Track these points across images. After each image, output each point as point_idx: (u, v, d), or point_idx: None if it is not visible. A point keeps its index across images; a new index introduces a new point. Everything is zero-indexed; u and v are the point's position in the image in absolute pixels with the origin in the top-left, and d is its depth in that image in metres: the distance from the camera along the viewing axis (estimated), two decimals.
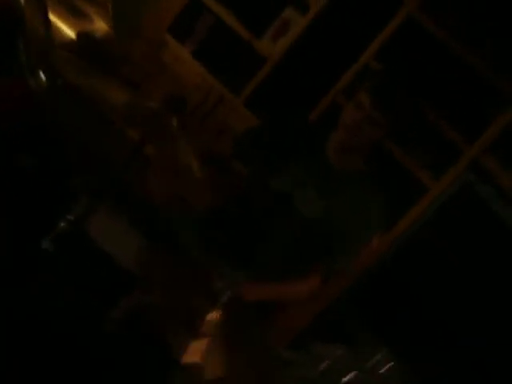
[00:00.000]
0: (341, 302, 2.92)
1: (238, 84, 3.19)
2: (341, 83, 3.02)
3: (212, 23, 3.27)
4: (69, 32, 2.43)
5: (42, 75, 1.60)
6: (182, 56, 3.30)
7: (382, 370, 1.84)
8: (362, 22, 3.04)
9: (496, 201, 2.78)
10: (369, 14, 3.03)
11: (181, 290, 1.59)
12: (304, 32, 3.10)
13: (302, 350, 1.92)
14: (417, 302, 2.95)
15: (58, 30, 2.28)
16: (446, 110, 2.86)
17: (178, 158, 1.68)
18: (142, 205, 1.83)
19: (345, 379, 1.77)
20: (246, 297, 1.84)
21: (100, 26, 2.71)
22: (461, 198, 2.84)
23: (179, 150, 1.68)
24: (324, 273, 2.08)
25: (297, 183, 2.06)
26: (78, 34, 2.44)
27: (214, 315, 1.50)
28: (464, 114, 2.87)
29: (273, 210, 2.10)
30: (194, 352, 1.35)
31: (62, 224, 1.46)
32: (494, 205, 2.78)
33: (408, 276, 2.98)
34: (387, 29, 2.95)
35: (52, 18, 1.94)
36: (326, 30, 3.10)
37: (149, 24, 3.26)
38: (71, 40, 2.39)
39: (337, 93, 3.02)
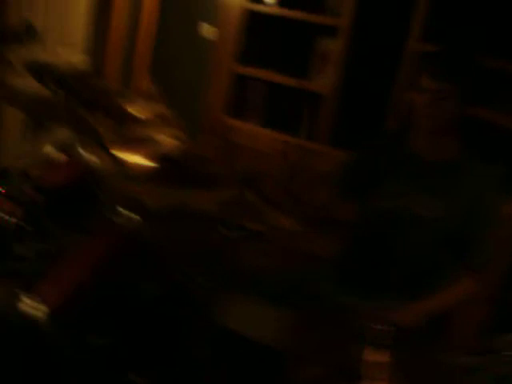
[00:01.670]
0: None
1: (309, 130, 3.24)
2: (401, 77, 2.98)
3: (260, 88, 3.37)
4: (142, 160, 2.52)
5: (125, 211, 1.72)
6: (246, 129, 3.41)
7: None
8: (395, 16, 3.02)
9: None
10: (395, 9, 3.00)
11: (331, 346, 1.58)
12: (345, 52, 3.11)
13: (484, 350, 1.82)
14: None
15: (132, 164, 2.40)
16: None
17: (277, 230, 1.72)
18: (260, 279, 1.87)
19: None
20: (407, 322, 1.81)
21: (168, 141, 2.81)
22: None
23: (274, 221, 1.72)
24: (473, 270, 2.01)
25: (408, 194, 2.04)
26: (158, 159, 2.56)
27: (371, 355, 1.48)
28: None
29: (396, 231, 2.08)
30: None
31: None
32: None
33: None
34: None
35: (123, 155, 2.07)
36: (365, 40, 3.10)
37: (208, 114, 3.43)
38: (147, 167, 2.50)
39: (401, 90, 2.98)
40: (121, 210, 1.70)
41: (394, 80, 2.97)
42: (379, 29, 3.06)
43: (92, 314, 1.55)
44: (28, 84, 2.04)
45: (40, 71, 2.09)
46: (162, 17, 4.26)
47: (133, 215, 1.70)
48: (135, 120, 2.27)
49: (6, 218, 1.88)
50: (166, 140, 2.54)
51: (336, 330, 1.66)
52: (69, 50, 4.02)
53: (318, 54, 3.18)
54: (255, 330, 1.58)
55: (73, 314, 1.52)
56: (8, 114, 3.69)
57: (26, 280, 1.74)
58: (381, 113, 3.00)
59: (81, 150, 1.90)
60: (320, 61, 3.18)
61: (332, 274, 2.14)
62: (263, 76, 3.35)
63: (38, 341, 1.54)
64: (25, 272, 1.82)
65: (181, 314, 1.61)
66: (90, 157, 1.88)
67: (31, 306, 1.50)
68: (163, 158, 2.36)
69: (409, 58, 2.93)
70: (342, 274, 2.14)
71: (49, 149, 2.01)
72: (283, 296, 1.84)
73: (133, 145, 2.24)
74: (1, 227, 1.92)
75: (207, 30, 4.32)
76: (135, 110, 2.28)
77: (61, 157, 2.01)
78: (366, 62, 3.11)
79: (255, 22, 3.36)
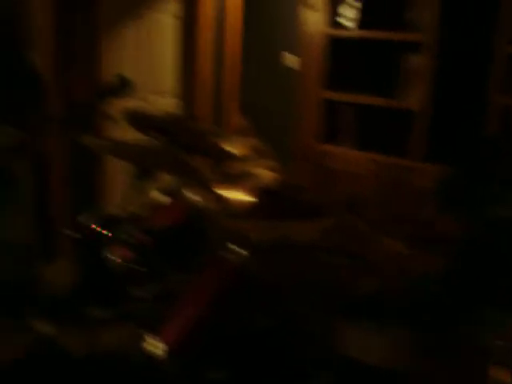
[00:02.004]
0: None
1: (403, 148, 3.20)
2: (494, 83, 2.90)
3: (349, 111, 3.38)
4: (243, 196, 2.57)
5: (233, 246, 1.77)
6: (339, 153, 3.41)
7: None
8: (478, 24, 2.96)
9: None
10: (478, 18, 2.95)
11: (454, 366, 1.55)
12: (432, 66, 3.06)
13: None
14: None
15: (234, 200, 2.46)
16: None
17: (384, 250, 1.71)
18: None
19: None
20: None
21: (265, 174, 2.85)
22: None
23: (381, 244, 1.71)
24: None
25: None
26: (257, 193, 2.61)
27: (495, 373, 1.43)
28: None
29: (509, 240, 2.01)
30: None
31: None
32: None
33: None
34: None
35: (224, 193, 2.13)
36: (451, 51, 3.04)
37: (300, 142, 3.47)
38: (248, 203, 2.54)
39: (495, 96, 2.89)
40: (229, 245, 1.75)
41: (487, 87, 2.90)
42: (464, 38, 3.00)
43: (209, 349, 1.59)
44: (129, 134, 2.16)
45: (139, 121, 2.20)
46: (245, 51, 4.38)
47: (241, 250, 1.74)
48: (231, 157, 2.34)
49: (120, 261, 1.99)
50: (263, 173, 2.59)
51: (457, 349, 1.62)
52: (160, 97, 4.21)
53: (404, 72, 3.15)
54: (373, 355, 1.57)
55: (192, 351, 1.57)
56: (112, 163, 3.90)
57: (145, 321, 1.82)
58: (476, 122, 2.93)
59: (185, 192, 1.98)
60: (407, 78, 3.15)
61: (441, 292, 2.09)
62: (351, 99, 3.36)
63: (159, 379, 1.61)
64: (142, 313, 1.91)
65: (296, 344, 1.63)
66: (194, 198, 1.96)
67: (153, 345, 1.57)
68: (262, 192, 2.42)
69: (500, 63, 2.85)
70: (451, 290, 2.08)
71: (155, 193, 2.11)
72: (397, 318, 1.82)
73: (232, 181, 2.31)
74: (115, 271, 2.02)
75: (289, 59, 4.40)
76: (230, 146, 2.34)
77: (166, 200, 2.10)
78: (454, 74, 3.05)
79: (338, 46, 3.38)
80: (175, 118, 2.26)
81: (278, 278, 1.84)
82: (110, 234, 2.05)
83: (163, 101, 4.19)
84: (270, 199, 2.48)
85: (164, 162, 1.94)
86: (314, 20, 3.40)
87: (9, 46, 2.72)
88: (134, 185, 2.00)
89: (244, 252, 1.75)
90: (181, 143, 2.08)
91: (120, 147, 1.99)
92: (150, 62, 4.16)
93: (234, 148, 2.35)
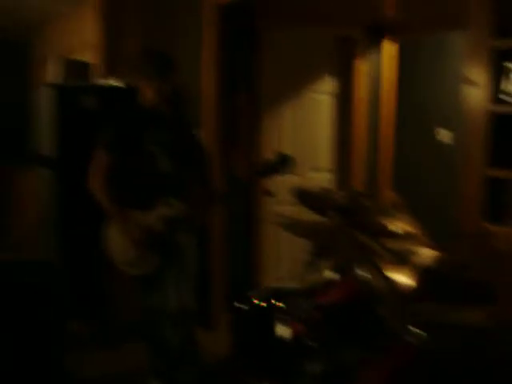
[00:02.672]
0: None
1: None
2: None
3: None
4: (408, 277, 2.51)
5: (412, 328, 1.74)
6: (507, 233, 3.27)
7: None
8: None
9: None
10: None
11: None
12: None
13: None
14: None
15: (401, 281, 2.42)
16: None
17: None
18: None
19: None
20: None
21: (427, 253, 2.78)
22: None
23: None
24: None
25: None
26: (424, 274, 2.55)
27: None
28: None
29: None
30: None
31: None
32: None
33: None
34: None
35: (391, 273, 2.11)
36: None
37: (464, 221, 3.37)
38: (415, 284, 2.49)
39: None
40: (406, 327, 1.73)
41: None
42: None
43: None
44: (302, 212, 2.22)
45: (307, 198, 2.27)
46: (399, 126, 4.37)
47: (418, 332, 1.72)
48: (396, 235, 2.33)
49: (290, 335, 2.02)
50: (426, 252, 2.55)
51: None
52: (317, 172, 4.32)
53: None
54: None
55: None
56: (271, 236, 4.02)
57: None
58: None
59: (356, 270, 1.99)
60: None
61: None
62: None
63: None
64: None
65: None
66: (365, 276, 1.96)
67: None
68: (428, 272, 2.37)
69: None
70: None
71: (326, 269, 2.14)
72: None
73: (398, 260, 2.31)
74: (282, 344, 2.05)
75: (444, 135, 4.34)
76: (393, 224, 2.34)
77: (338, 277, 2.13)
78: None
79: (501, 122, 3.31)
80: (346, 194, 2.30)
81: (453, 359, 1.79)
82: (280, 308, 2.10)
83: (320, 176, 4.30)
84: (435, 279, 2.43)
85: (337, 239, 1.98)
86: (475, 96, 3.36)
87: (181, 125, 2.93)
88: (307, 260, 2.05)
89: (422, 334, 1.72)
90: (350, 221, 2.11)
91: (296, 224, 2.06)
92: (308, 138, 4.30)
93: (396, 226, 2.34)
